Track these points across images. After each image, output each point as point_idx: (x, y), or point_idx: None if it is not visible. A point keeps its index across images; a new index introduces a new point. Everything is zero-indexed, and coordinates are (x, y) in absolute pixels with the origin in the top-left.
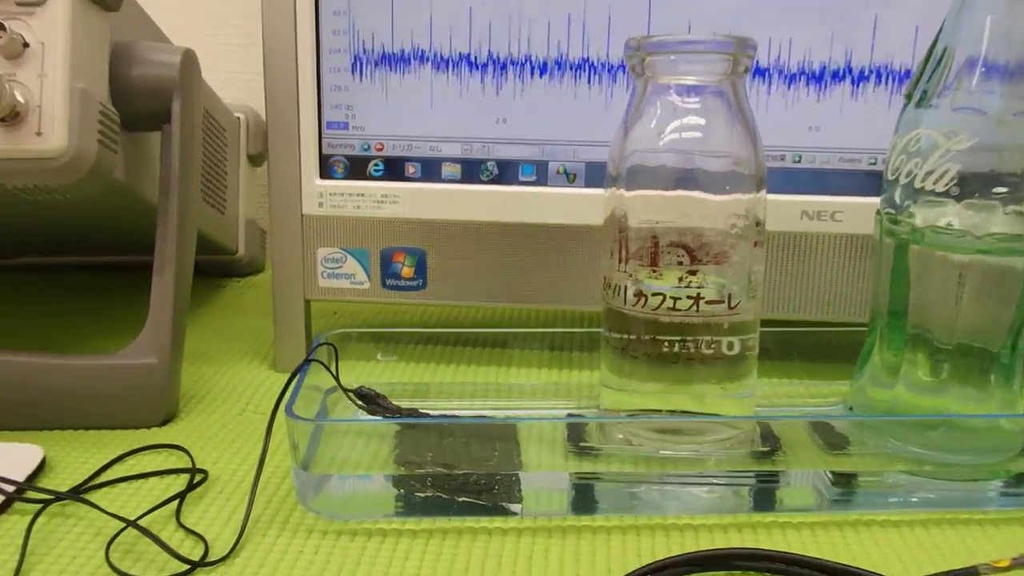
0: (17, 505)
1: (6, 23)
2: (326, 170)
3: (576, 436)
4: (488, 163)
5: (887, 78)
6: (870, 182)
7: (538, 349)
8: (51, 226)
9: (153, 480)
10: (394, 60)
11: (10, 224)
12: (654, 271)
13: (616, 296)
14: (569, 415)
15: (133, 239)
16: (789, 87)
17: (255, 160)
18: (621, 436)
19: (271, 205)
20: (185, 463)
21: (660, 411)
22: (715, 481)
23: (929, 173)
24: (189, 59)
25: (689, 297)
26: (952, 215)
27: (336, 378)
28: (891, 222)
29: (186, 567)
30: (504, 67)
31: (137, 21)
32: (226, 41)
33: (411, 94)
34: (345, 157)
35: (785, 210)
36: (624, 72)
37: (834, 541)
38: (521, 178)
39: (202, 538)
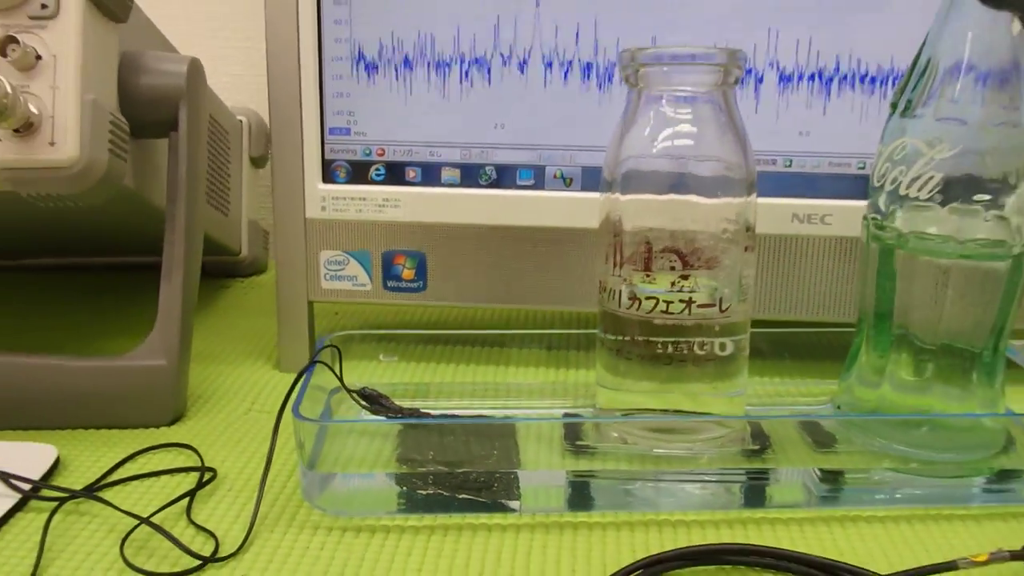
0: (33, 503)
1: (19, 36)
2: (328, 175)
3: (573, 435)
4: (486, 168)
5: (875, 84)
6: (859, 186)
7: (535, 349)
8: (60, 229)
9: (164, 478)
10: (395, 67)
11: (21, 227)
12: (647, 275)
13: (611, 299)
14: (566, 415)
15: (139, 241)
16: (780, 93)
17: (257, 162)
18: (616, 435)
19: (275, 209)
20: (194, 461)
21: (654, 410)
22: (707, 478)
23: (914, 180)
24: (195, 68)
25: (681, 301)
26: (936, 220)
27: (340, 379)
28: (877, 227)
29: (198, 563)
30: (502, 74)
31: (143, 30)
32: (227, 44)
33: (411, 100)
34: (347, 162)
35: (776, 213)
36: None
37: (821, 536)
38: (519, 182)
39: (212, 534)
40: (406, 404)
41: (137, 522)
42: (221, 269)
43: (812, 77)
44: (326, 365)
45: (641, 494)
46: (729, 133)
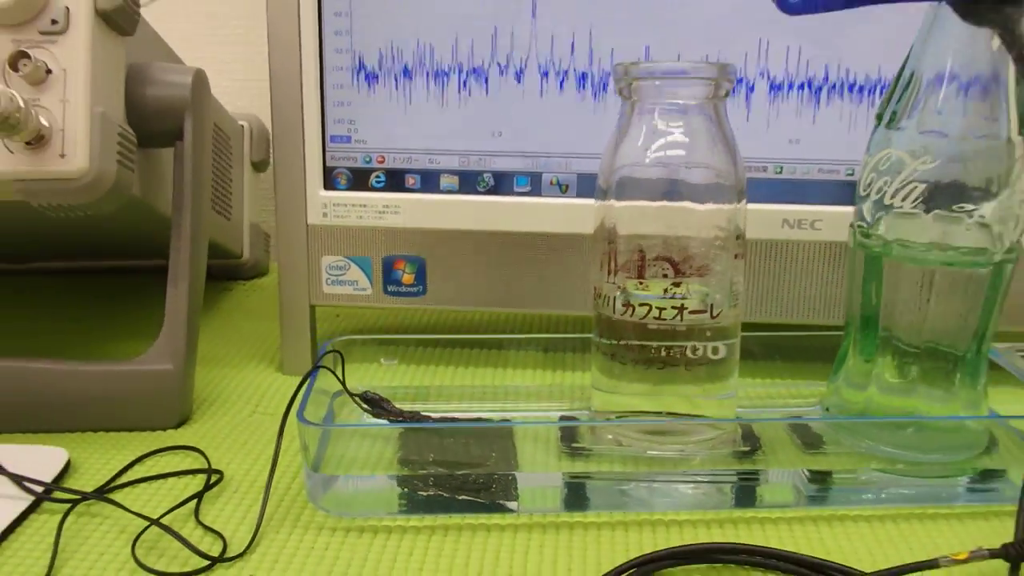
0: (46, 504)
1: (30, 51)
2: (330, 182)
3: (569, 437)
4: (484, 175)
5: (863, 93)
6: (847, 192)
7: (532, 352)
8: (67, 234)
9: (172, 480)
10: (394, 77)
11: (30, 233)
12: (641, 283)
13: (606, 305)
14: (562, 417)
15: (144, 245)
16: (771, 102)
17: (258, 166)
18: (611, 437)
19: (277, 215)
20: (201, 463)
21: (647, 412)
22: (699, 479)
23: (898, 191)
24: (200, 79)
25: (673, 307)
26: (920, 227)
27: (343, 383)
28: (863, 235)
29: (207, 563)
30: (499, 84)
31: (148, 41)
32: (228, 49)
33: (411, 109)
34: (348, 169)
35: (767, 219)
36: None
37: (810, 535)
38: (516, 189)
39: (220, 535)
40: (406, 407)
41: (147, 523)
42: (223, 272)
43: (802, 86)
44: (329, 370)
45: (635, 494)
46: (719, 143)
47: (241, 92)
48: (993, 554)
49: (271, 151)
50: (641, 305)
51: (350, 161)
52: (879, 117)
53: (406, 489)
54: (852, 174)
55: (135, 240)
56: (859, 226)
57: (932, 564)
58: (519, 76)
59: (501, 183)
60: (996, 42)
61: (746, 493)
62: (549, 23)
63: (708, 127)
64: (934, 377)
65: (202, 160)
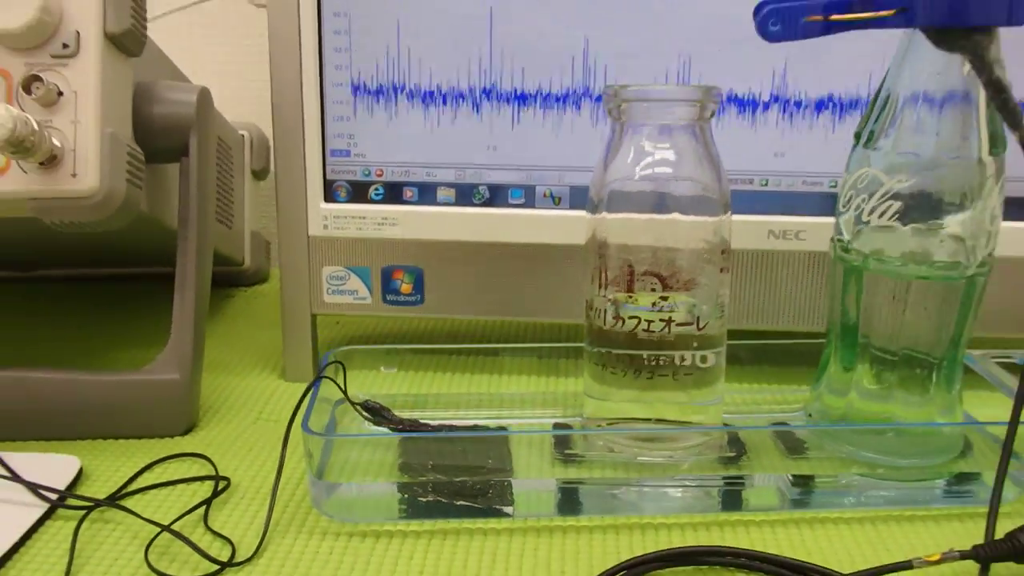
0: (60, 511)
1: (42, 74)
2: (330, 194)
3: (562, 444)
4: (480, 187)
5: (844, 109)
6: (830, 204)
7: (527, 358)
8: (72, 244)
9: (181, 486)
10: (392, 92)
11: (37, 244)
12: (630, 296)
13: (597, 317)
14: (556, 424)
15: (147, 253)
16: (757, 117)
17: (258, 175)
18: (602, 443)
19: (279, 226)
20: (208, 470)
21: (638, 419)
22: (687, 484)
23: (875, 208)
24: (204, 97)
25: (662, 320)
26: (896, 242)
27: (345, 394)
28: (842, 249)
29: (216, 567)
30: (494, 99)
31: (154, 59)
32: (229, 58)
33: (408, 124)
34: (347, 182)
35: (753, 230)
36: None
37: (792, 538)
38: (510, 201)
39: (229, 540)
40: (406, 415)
41: (159, 529)
42: (225, 278)
43: (787, 102)
44: (332, 380)
45: (626, 499)
46: (705, 161)
47: (240, 99)
48: (964, 555)
49: (273, 164)
50: (631, 317)
51: (350, 174)
52: (857, 136)
53: (406, 495)
54: (835, 186)
55: (139, 249)
56: (839, 241)
57: (906, 565)
58: (514, 92)
59: (496, 195)
60: (967, 66)
61: (732, 497)
62: (541, 45)
63: (694, 146)
64: (911, 383)
65: (207, 175)
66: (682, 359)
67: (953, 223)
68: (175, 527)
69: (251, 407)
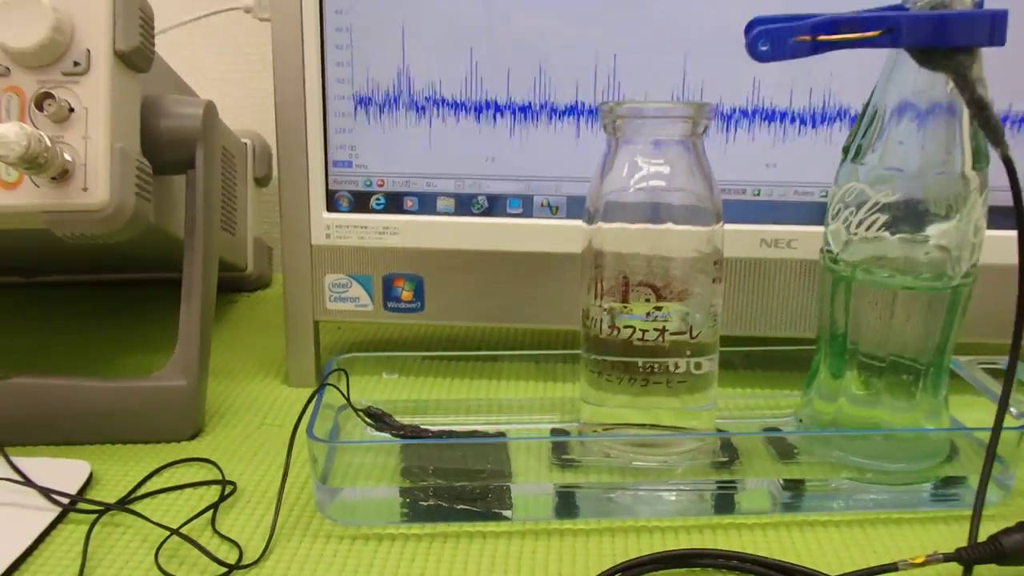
0: (72, 515)
1: (54, 91)
2: (332, 204)
3: (559, 449)
4: (479, 197)
5: (834, 121)
6: (821, 213)
7: (525, 364)
8: (79, 252)
9: (188, 491)
10: (393, 105)
11: (45, 252)
12: (625, 307)
13: (594, 326)
14: (553, 430)
15: (151, 260)
16: (749, 129)
17: (260, 182)
18: (598, 449)
19: (283, 235)
20: (215, 475)
21: (633, 424)
22: (681, 488)
23: (862, 220)
24: (210, 110)
25: (656, 329)
26: (882, 254)
27: (348, 400)
28: (831, 260)
29: (224, 570)
30: (493, 111)
31: (161, 73)
32: (231, 67)
33: (408, 136)
34: (349, 192)
35: (746, 239)
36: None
37: (782, 540)
38: (509, 211)
39: (236, 543)
40: (407, 420)
41: (168, 533)
42: (228, 284)
43: (779, 115)
44: (335, 387)
45: (621, 502)
46: (698, 173)
47: (242, 107)
48: (948, 558)
49: (277, 174)
50: (626, 326)
51: (351, 185)
52: (845, 151)
53: (408, 499)
54: (825, 196)
55: (142, 256)
56: (827, 252)
57: (891, 568)
58: (512, 105)
59: (495, 205)
60: (951, 84)
61: (725, 501)
62: (540, 57)
63: (688, 160)
64: (898, 389)
65: (212, 186)
66: (676, 366)
67: (938, 236)
68: (184, 530)
69: (255, 412)
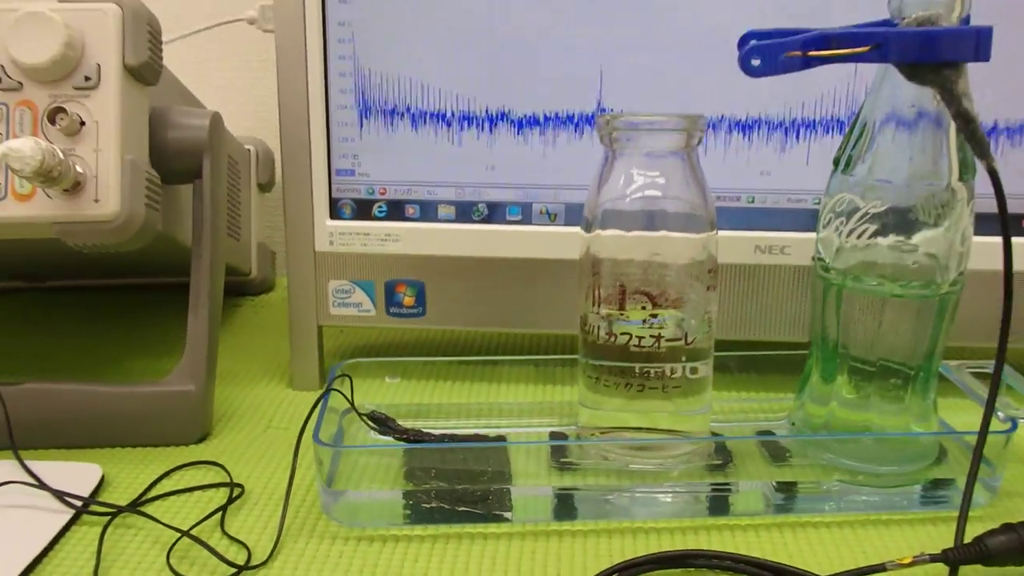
0: (85, 517)
1: (66, 105)
2: (335, 212)
3: (558, 453)
4: (479, 205)
5: (828, 129)
6: (813, 220)
7: (525, 368)
8: (87, 260)
9: (197, 493)
10: (395, 115)
11: (53, 258)
12: (622, 314)
13: (591, 332)
14: (552, 433)
15: (157, 266)
16: (744, 138)
17: (264, 187)
18: (596, 452)
19: (287, 242)
20: (222, 477)
21: (630, 428)
22: (677, 490)
23: (852, 230)
24: (216, 121)
25: (652, 336)
26: (872, 262)
27: (352, 405)
28: (822, 269)
29: (233, 571)
30: (492, 121)
31: (168, 84)
32: (235, 74)
33: (410, 145)
34: (352, 200)
35: (741, 245)
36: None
37: (775, 541)
38: (508, 218)
39: (244, 545)
40: (409, 424)
41: (179, 535)
42: (232, 288)
43: (772, 125)
44: (340, 392)
45: (618, 504)
46: (692, 183)
47: (244, 114)
48: (934, 559)
49: (281, 183)
50: (623, 333)
51: (354, 193)
52: (836, 162)
53: (411, 501)
54: (818, 203)
55: (149, 262)
56: (819, 260)
57: (880, 568)
58: (510, 115)
59: (494, 212)
60: (938, 98)
61: (719, 502)
62: (536, 71)
63: (682, 171)
64: (887, 393)
65: (219, 195)
66: (672, 371)
67: (926, 243)
68: (194, 532)
69: (261, 415)
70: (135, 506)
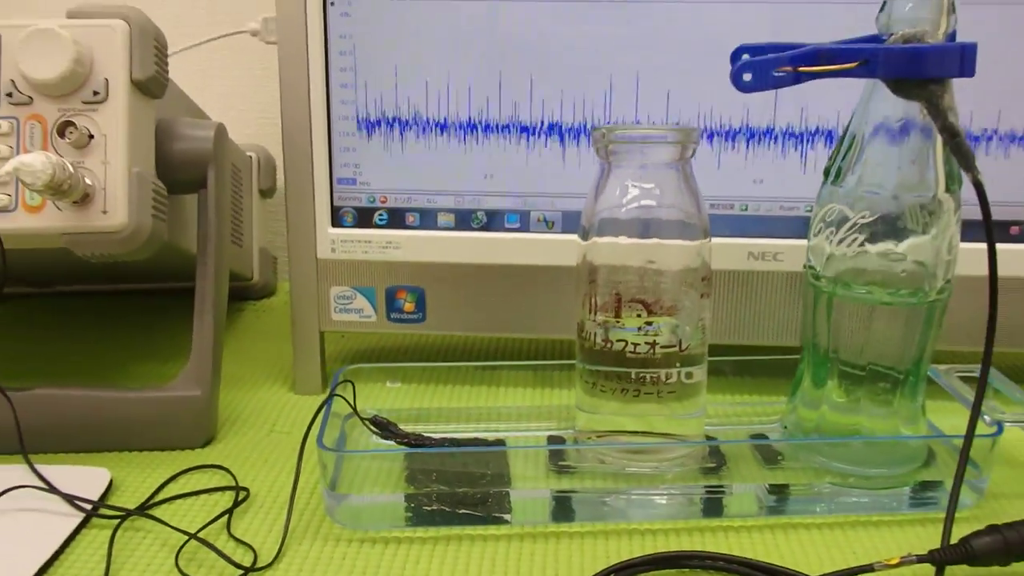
0: (94, 520)
1: (75, 120)
2: (337, 220)
3: (556, 456)
4: (478, 213)
5: (819, 139)
6: (806, 227)
7: (523, 372)
8: (94, 267)
9: (204, 496)
10: (395, 125)
11: (61, 267)
12: (618, 321)
13: (588, 338)
14: (550, 437)
15: (162, 272)
16: (737, 147)
17: (265, 193)
18: (593, 455)
19: (289, 250)
20: (228, 481)
21: (626, 431)
22: (672, 492)
23: (842, 240)
24: (221, 133)
25: (647, 342)
26: (861, 271)
27: (355, 410)
28: (813, 276)
29: (240, 572)
30: (491, 131)
31: (173, 96)
32: (237, 82)
33: (410, 154)
34: (353, 208)
35: (734, 252)
36: None
37: (767, 542)
38: (506, 225)
39: (251, 547)
40: (410, 428)
41: (187, 537)
42: (235, 292)
43: (766, 134)
44: (343, 398)
45: (615, 506)
46: (686, 193)
47: (246, 121)
48: (921, 559)
49: (284, 191)
50: (619, 340)
51: (355, 201)
52: (826, 173)
53: (412, 504)
54: (810, 210)
55: (154, 269)
56: (810, 268)
57: (868, 569)
58: (509, 124)
59: (493, 220)
60: (924, 112)
61: (713, 504)
62: (535, 80)
63: (677, 181)
64: (877, 397)
65: (223, 205)
66: (667, 377)
67: (914, 251)
68: (201, 535)
69: (264, 419)
70: (143, 509)
